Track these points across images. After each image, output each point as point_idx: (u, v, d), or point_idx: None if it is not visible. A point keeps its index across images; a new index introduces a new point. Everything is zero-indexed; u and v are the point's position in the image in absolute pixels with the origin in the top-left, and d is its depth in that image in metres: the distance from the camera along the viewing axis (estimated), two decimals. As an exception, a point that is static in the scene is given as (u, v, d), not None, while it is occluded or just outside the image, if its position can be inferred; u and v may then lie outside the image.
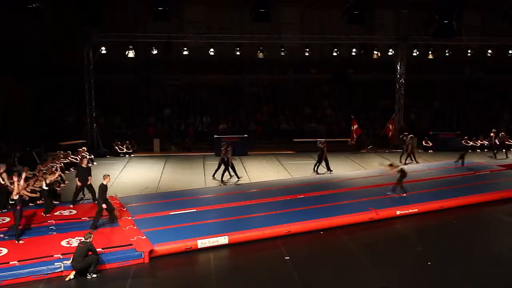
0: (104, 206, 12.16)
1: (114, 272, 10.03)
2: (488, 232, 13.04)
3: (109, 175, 13.04)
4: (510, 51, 28.03)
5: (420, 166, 20.49)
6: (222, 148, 18.08)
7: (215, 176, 18.32)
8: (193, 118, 28.48)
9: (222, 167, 18.04)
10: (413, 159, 21.66)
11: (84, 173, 14.55)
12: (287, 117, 29.00)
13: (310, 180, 17.90)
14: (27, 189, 14.52)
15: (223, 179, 17.94)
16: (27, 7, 17.27)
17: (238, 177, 18.22)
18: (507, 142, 24.02)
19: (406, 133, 22.55)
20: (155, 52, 26.20)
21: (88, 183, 14.54)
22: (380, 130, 27.50)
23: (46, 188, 13.73)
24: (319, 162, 19.42)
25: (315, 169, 19.46)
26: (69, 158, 20.20)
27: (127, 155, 23.71)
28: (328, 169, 19.39)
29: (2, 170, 14.16)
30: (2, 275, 9.42)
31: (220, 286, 9.54)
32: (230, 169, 18.12)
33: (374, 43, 27.33)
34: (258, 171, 19.91)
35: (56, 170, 15.66)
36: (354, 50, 27.30)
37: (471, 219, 13.87)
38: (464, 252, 11.22)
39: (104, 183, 12.39)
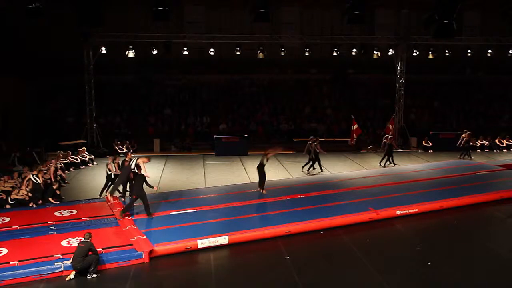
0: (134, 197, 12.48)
1: (114, 272, 10.02)
2: (488, 232, 13.02)
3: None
4: (510, 51, 28.03)
5: (422, 166, 20.58)
6: (310, 142, 19.25)
7: (314, 167, 19.47)
8: (193, 118, 28.49)
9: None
10: (469, 156, 22.46)
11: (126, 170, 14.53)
12: (287, 117, 29.02)
13: (310, 180, 17.90)
14: (26, 189, 14.55)
15: (322, 168, 19.48)
16: (27, 7, 17.26)
17: (322, 169, 19.53)
18: None
19: (465, 130, 23.06)
20: (155, 52, 26.21)
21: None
22: (380, 130, 27.51)
23: None
24: (387, 156, 20.78)
25: (392, 163, 20.80)
26: (69, 158, 20.22)
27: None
28: (390, 162, 20.73)
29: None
30: (2, 275, 9.40)
31: (220, 286, 9.54)
32: (314, 161, 19.31)
33: (374, 43, 27.33)
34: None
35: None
36: (354, 50, 27.31)
37: (471, 219, 13.85)
38: (464, 252, 11.21)
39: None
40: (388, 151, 20.81)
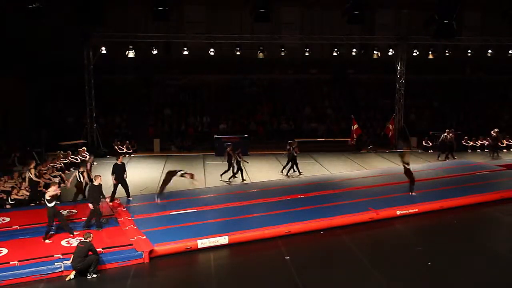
0: (91, 206, 12.17)
1: (114, 272, 10.03)
2: (488, 232, 13.03)
3: (100, 176, 12.59)
4: (510, 51, 28.02)
5: (422, 166, 20.56)
6: (445, 134, 21.76)
7: (447, 158, 21.66)
8: (193, 118, 28.48)
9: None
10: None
11: (120, 170, 14.56)
12: (287, 117, 29.01)
13: (310, 180, 17.90)
14: (27, 189, 14.54)
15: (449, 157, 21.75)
16: (27, 7, 17.26)
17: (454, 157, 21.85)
18: None
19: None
20: (155, 52, 26.20)
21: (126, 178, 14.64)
22: (380, 130, 27.50)
23: None
24: (493, 149, 22.65)
25: (495, 155, 22.53)
26: (69, 158, 20.20)
27: (127, 155, 23.70)
28: (496, 154, 22.63)
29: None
30: (2, 275, 9.42)
31: (220, 286, 9.54)
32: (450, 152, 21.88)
33: (374, 43, 27.33)
34: (258, 171, 19.90)
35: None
36: (354, 50, 27.30)
37: (471, 219, 13.86)
38: (464, 252, 11.22)
39: (96, 183, 12.28)
40: (492, 145, 22.91)
